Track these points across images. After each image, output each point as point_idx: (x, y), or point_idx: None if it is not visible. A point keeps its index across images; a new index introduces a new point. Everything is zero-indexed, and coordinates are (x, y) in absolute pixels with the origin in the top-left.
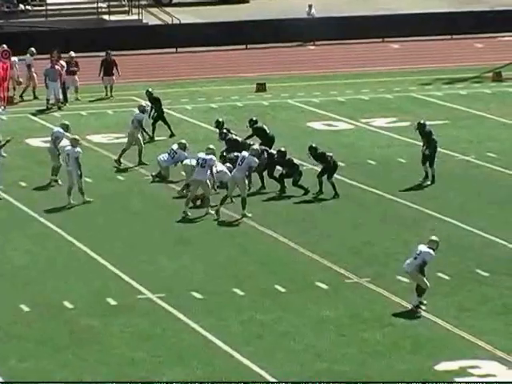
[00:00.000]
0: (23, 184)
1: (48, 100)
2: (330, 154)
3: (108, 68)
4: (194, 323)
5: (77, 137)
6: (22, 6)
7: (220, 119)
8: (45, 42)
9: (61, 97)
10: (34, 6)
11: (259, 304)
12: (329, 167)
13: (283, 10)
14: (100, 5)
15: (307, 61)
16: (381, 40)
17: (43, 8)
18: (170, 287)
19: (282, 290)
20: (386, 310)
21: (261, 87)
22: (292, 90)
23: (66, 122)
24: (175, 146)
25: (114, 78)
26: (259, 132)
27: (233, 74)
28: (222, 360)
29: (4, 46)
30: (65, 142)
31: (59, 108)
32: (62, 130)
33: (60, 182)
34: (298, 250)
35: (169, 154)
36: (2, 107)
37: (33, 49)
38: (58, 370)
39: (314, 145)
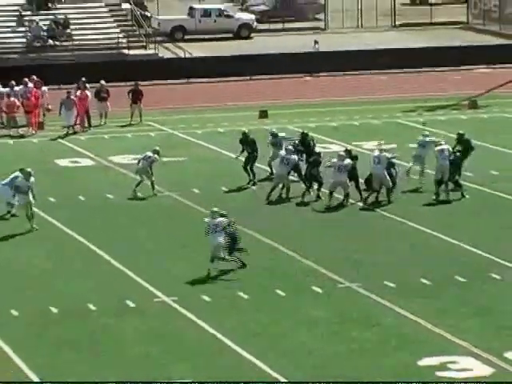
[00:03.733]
0: (52, 199)
1: (68, 127)
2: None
3: (136, 97)
4: (203, 323)
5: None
6: (51, 41)
7: (305, 131)
8: (71, 74)
9: (72, 123)
10: (62, 41)
11: (260, 306)
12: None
13: (284, 46)
14: (120, 40)
15: (304, 91)
16: (369, 72)
17: (70, 43)
18: (182, 290)
19: (282, 293)
20: (374, 312)
21: (263, 114)
22: (290, 117)
23: (157, 148)
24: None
25: (141, 105)
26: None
27: (238, 102)
28: (227, 356)
29: (34, 76)
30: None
31: (74, 133)
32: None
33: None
34: (295, 258)
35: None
36: (33, 131)
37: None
38: (79, 365)
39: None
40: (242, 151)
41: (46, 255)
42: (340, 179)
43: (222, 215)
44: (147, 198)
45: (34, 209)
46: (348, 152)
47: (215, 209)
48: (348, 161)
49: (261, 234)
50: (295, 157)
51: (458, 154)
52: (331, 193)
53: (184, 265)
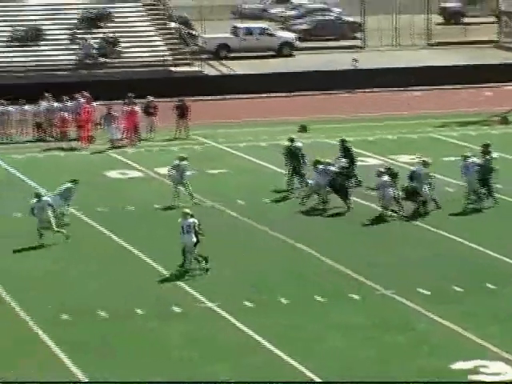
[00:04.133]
0: (100, 209)
1: (111, 140)
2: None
3: (182, 112)
4: (244, 327)
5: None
6: (101, 59)
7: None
8: (120, 90)
9: (114, 137)
10: (112, 58)
11: (299, 311)
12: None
13: (324, 63)
14: (167, 58)
15: (342, 106)
16: (403, 89)
17: (119, 60)
18: (226, 296)
19: (320, 299)
20: (407, 317)
21: (302, 129)
22: (328, 131)
23: (184, 155)
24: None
25: (187, 120)
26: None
27: (279, 117)
28: (263, 356)
29: (85, 92)
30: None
31: (119, 147)
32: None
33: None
34: (334, 266)
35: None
36: (84, 145)
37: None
38: (123, 366)
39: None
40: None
41: (97, 262)
42: (389, 194)
43: (192, 216)
44: (191, 208)
45: (86, 219)
46: (387, 169)
47: (187, 210)
48: (386, 178)
49: (301, 243)
50: (334, 168)
51: (488, 158)
52: (386, 208)
53: (228, 271)
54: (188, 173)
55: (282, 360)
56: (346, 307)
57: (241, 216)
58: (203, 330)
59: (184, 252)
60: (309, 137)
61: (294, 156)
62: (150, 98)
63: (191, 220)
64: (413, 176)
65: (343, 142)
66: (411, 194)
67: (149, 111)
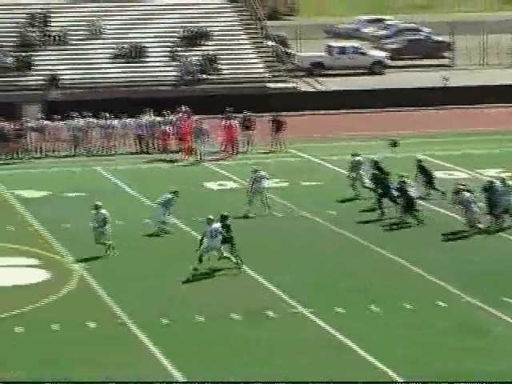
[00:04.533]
0: (200, 218)
1: (201, 153)
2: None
3: (278, 126)
4: (336, 332)
5: None
6: (200, 75)
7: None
8: (219, 105)
9: (203, 151)
10: (210, 75)
11: (391, 318)
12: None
13: (413, 81)
14: (264, 75)
15: (432, 122)
16: (493, 105)
17: (218, 77)
18: (319, 302)
19: (409, 307)
20: (488, 322)
21: (393, 143)
22: (418, 146)
23: (255, 167)
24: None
25: (283, 134)
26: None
27: (370, 132)
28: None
29: (184, 107)
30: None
31: (217, 159)
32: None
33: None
34: (423, 276)
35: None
36: (185, 157)
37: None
38: (218, 368)
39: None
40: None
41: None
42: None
43: (218, 221)
44: (283, 217)
45: (185, 227)
46: (463, 186)
47: (211, 216)
48: (468, 194)
49: (391, 253)
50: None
51: None
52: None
53: (322, 278)
54: (265, 183)
55: (366, 361)
56: (433, 313)
57: (333, 226)
58: (295, 334)
59: (202, 256)
60: (399, 151)
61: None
62: (247, 113)
63: (216, 225)
64: (489, 188)
65: (419, 161)
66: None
67: (246, 125)
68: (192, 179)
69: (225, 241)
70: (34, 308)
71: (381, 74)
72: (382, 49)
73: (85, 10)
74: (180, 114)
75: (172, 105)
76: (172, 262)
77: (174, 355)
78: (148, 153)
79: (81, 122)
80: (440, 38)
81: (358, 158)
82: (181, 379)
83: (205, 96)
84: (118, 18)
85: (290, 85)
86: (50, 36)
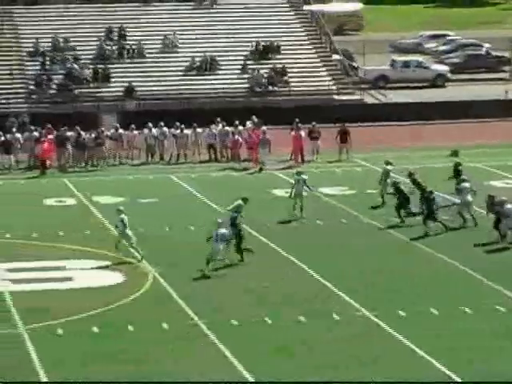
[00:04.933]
0: (268, 225)
1: (262, 162)
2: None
3: (344, 136)
4: (398, 334)
5: None
6: (270, 87)
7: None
8: (287, 116)
9: (265, 160)
10: (279, 87)
11: (448, 321)
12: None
13: (473, 94)
14: (331, 87)
15: (492, 133)
16: None
17: (287, 89)
18: (382, 306)
19: (469, 311)
20: None
21: (454, 153)
22: (478, 156)
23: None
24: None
25: (348, 144)
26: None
27: (433, 142)
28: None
29: (254, 117)
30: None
31: (261, 170)
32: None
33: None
34: (482, 280)
35: None
36: (255, 165)
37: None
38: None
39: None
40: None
41: (262, 272)
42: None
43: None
44: (346, 223)
45: (256, 233)
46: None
47: (220, 220)
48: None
49: (453, 259)
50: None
51: None
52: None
53: (382, 283)
54: (306, 188)
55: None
56: (488, 317)
57: (396, 232)
58: (359, 336)
59: (210, 259)
60: (461, 161)
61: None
62: (314, 124)
63: (223, 230)
64: None
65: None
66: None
67: (313, 136)
68: (261, 186)
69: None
70: (109, 309)
71: (442, 86)
72: (443, 63)
73: (159, 24)
74: (250, 125)
75: (242, 115)
76: (240, 266)
77: (242, 355)
78: (219, 161)
79: (155, 131)
80: (499, 54)
81: (388, 167)
82: (250, 379)
83: (274, 107)
84: (191, 31)
85: (355, 97)
86: (126, 49)
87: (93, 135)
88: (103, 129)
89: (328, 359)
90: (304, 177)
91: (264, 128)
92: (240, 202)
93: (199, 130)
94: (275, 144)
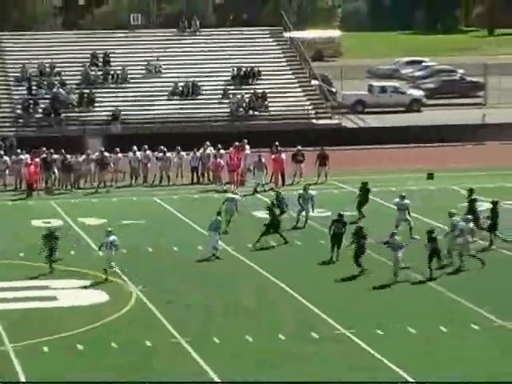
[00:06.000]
0: (248, 245)
1: (258, 184)
2: None
3: (323, 160)
4: (374, 351)
5: None
6: (251, 112)
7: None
8: (267, 140)
9: (261, 182)
10: (260, 112)
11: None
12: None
13: (448, 118)
14: (310, 112)
15: (466, 157)
16: None
17: (266, 114)
18: (358, 325)
19: (443, 329)
20: None
21: (430, 176)
22: (453, 179)
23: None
24: None
25: (327, 167)
26: None
27: (408, 165)
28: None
29: (236, 142)
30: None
31: (265, 190)
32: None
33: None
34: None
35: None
36: (235, 187)
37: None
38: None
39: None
40: None
41: (242, 291)
42: None
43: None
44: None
45: (235, 253)
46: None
47: (109, 228)
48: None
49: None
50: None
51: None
52: None
53: (360, 302)
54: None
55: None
56: (466, 335)
57: (372, 252)
58: (338, 353)
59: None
60: (435, 183)
61: None
62: (299, 148)
63: (112, 238)
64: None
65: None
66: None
67: (297, 159)
68: (241, 208)
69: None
70: (94, 327)
71: (418, 111)
72: (419, 88)
73: (143, 50)
74: (232, 148)
75: (224, 139)
76: (222, 285)
77: (223, 371)
78: (201, 183)
79: (139, 154)
80: (474, 79)
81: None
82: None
83: (255, 131)
84: (174, 57)
85: (334, 121)
86: (111, 74)
87: (79, 158)
88: (89, 152)
89: (307, 374)
90: (312, 192)
91: (246, 151)
92: (215, 217)
93: (183, 153)
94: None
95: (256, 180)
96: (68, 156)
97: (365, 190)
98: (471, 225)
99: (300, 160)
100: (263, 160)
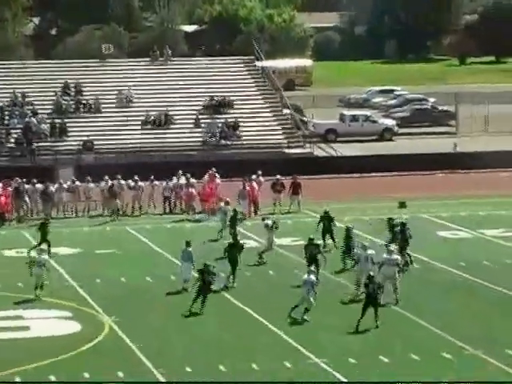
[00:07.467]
0: (222, 274)
1: (244, 213)
2: None
3: (295, 189)
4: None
5: None
6: (223, 141)
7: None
8: (240, 169)
9: (245, 211)
10: (232, 141)
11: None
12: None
13: (421, 147)
14: (282, 141)
15: (438, 185)
16: (490, 170)
17: (239, 143)
18: (333, 353)
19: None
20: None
21: (402, 205)
22: (425, 207)
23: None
24: None
25: (299, 196)
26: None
27: (381, 194)
28: None
29: (209, 170)
30: None
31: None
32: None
33: None
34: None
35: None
36: (208, 217)
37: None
38: None
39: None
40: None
41: (220, 325)
42: None
43: None
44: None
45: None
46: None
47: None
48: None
49: (403, 310)
50: None
51: None
52: None
53: (333, 332)
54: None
55: None
56: (439, 365)
57: (345, 281)
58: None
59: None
60: (407, 212)
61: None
62: (278, 177)
63: (46, 257)
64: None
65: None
66: None
67: (276, 188)
68: (214, 237)
69: None
70: (66, 357)
71: (390, 140)
72: (390, 117)
73: (115, 79)
74: (205, 177)
75: (196, 168)
76: (195, 315)
77: None
78: (174, 213)
79: (111, 183)
80: (445, 108)
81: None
82: None
83: (227, 160)
84: (146, 87)
85: (306, 150)
86: (83, 104)
87: (48, 188)
88: (60, 181)
89: None
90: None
91: (218, 181)
92: (185, 248)
93: (156, 182)
94: (229, 197)
95: (242, 209)
96: (50, 185)
97: (327, 219)
98: (369, 252)
99: (279, 190)
100: (247, 188)
